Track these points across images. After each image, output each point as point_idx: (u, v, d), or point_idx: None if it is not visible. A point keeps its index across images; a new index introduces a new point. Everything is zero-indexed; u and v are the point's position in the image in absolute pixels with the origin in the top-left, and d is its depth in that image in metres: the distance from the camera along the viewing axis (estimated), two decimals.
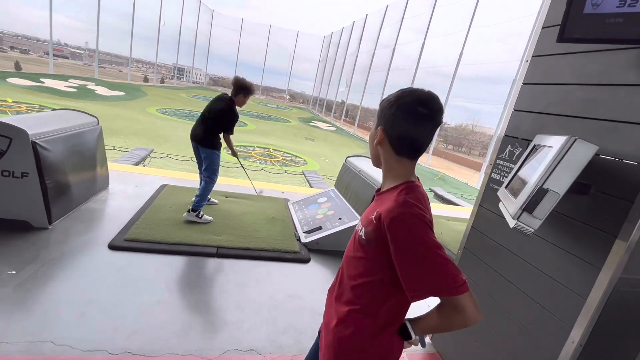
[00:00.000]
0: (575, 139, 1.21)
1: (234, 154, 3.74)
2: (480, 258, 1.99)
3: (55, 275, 2.29)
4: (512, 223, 1.33)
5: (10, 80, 19.92)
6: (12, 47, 44.60)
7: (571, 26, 1.32)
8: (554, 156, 1.24)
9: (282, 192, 4.68)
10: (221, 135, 3.46)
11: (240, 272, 2.77)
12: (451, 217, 5.45)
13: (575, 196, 1.43)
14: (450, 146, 37.49)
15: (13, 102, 14.07)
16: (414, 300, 0.84)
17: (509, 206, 1.44)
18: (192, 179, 5.02)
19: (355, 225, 3.40)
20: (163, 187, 4.27)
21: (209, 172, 3.43)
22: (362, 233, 0.92)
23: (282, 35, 54.80)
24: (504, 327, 1.76)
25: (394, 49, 26.90)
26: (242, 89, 3.41)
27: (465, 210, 6.36)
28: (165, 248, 2.84)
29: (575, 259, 1.44)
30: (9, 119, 2.79)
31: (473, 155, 32.81)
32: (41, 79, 22.69)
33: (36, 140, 2.69)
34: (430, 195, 10.23)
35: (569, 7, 1.29)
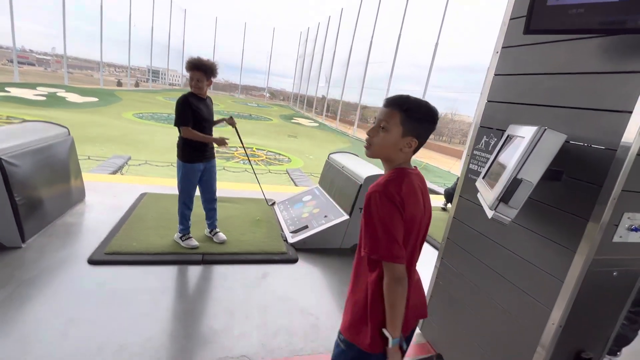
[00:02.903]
0: (545, 129, 1.24)
1: (217, 141, 2.84)
2: (463, 247, 2.03)
3: (32, 296, 2.20)
4: (490, 214, 1.36)
5: None
6: None
7: (536, 18, 1.35)
8: (525, 146, 1.27)
9: (273, 203, 4.42)
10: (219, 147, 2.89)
11: (227, 278, 2.74)
12: (435, 206, 5.54)
13: (548, 183, 1.48)
14: (432, 136, 37.97)
15: None
16: (363, 255, 1.05)
17: (486, 197, 1.47)
18: (173, 184, 4.91)
19: (342, 222, 3.42)
20: (143, 195, 4.16)
21: (178, 186, 2.92)
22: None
23: (258, 33, 54.08)
24: (489, 313, 1.80)
25: (370, 42, 26.98)
26: (192, 69, 2.70)
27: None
28: (148, 259, 2.77)
29: (551, 244, 1.49)
30: None
31: (454, 144, 33.48)
32: (6, 88, 21.65)
33: (2, 157, 2.56)
34: None
35: (532, 0, 1.32)
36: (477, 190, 1.76)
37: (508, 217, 1.30)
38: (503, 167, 1.42)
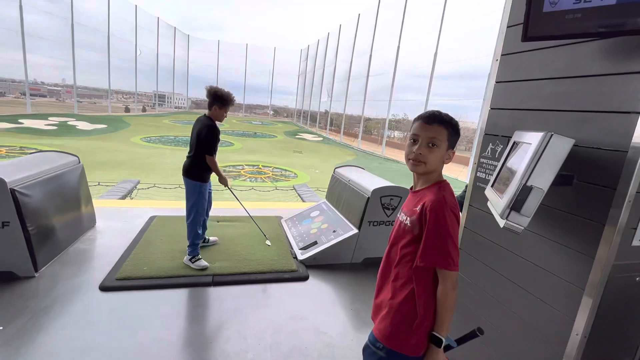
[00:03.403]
0: (552, 135, 1.23)
1: (223, 181, 3.10)
2: (476, 257, 1.98)
3: (46, 326, 2.20)
4: (501, 223, 1.33)
5: None
6: None
7: (533, 25, 1.35)
8: (533, 153, 1.25)
9: (282, 219, 4.30)
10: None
11: (238, 299, 2.71)
12: None
13: (559, 188, 1.45)
14: None
15: None
16: (418, 264, 1.12)
17: (496, 205, 1.44)
18: (182, 206, 4.95)
19: (351, 236, 3.38)
20: (152, 218, 4.20)
21: (188, 210, 2.99)
22: (407, 221, 1.21)
23: (259, 53, 55.35)
24: (508, 325, 1.74)
25: (370, 55, 27.39)
26: (216, 99, 2.96)
27: None
28: (159, 283, 2.76)
29: (568, 250, 1.45)
30: None
31: (459, 150, 33.27)
32: (20, 120, 22.34)
33: (15, 187, 2.62)
34: None
35: (528, 7, 1.33)
36: (486, 199, 1.73)
37: (521, 225, 1.27)
38: (511, 174, 1.40)
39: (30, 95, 28.99)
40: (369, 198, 3.33)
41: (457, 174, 18.61)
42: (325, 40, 38.57)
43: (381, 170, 17.04)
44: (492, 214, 1.54)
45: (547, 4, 1.28)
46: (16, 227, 2.62)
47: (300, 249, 3.52)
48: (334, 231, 3.57)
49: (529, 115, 1.67)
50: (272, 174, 13.58)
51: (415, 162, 1.16)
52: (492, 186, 1.66)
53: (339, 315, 2.65)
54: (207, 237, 3.53)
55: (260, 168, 14.33)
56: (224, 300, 2.70)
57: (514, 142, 1.60)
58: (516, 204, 1.25)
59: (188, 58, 51.99)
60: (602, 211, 1.31)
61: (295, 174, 13.96)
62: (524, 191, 1.24)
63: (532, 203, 1.23)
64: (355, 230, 3.39)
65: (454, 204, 1.13)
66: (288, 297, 2.79)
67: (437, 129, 1.14)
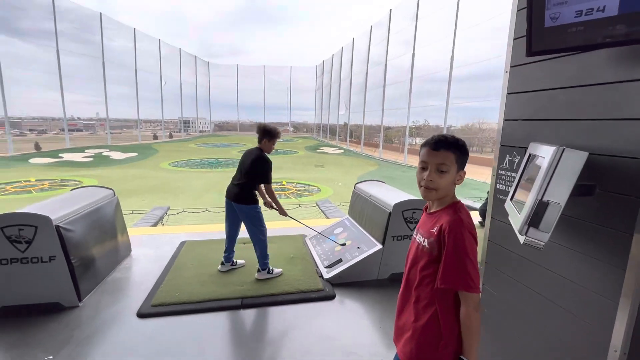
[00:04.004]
0: (564, 149, 1.22)
1: (281, 210, 3.47)
2: (503, 271, 1.94)
3: (91, 354, 2.34)
4: (521, 239, 1.31)
5: (32, 160, 21.17)
6: (30, 130, 47.75)
7: (536, 40, 1.36)
8: (547, 168, 1.24)
9: (310, 236, 4.20)
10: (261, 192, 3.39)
11: (267, 321, 2.77)
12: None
13: (581, 198, 1.41)
14: None
15: (36, 180, 14.89)
16: (439, 286, 1.12)
17: (514, 221, 1.43)
18: (209, 230, 5.13)
19: (375, 252, 3.37)
20: (183, 244, 4.37)
21: (254, 231, 3.30)
22: (425, 243, 1.23)
23: (277, 72, 56.94)
24: (540, 342, 1.68)
25: (385, 65, 27.46)
26: (265, 134, 3.33)
27: None
28: (191, 308, 2.87)
29: (597, 262, 1.40)
30: (33, 207, 2.98)
31: (486, 153, 32.29)
32: (60, 154, 24.03)
33: (59, 224, 2.84)
34: None
35: (529, 24, 1.34)
36: (507, 212, 1.71)
37: (541, 241, 1.25)
38: (528, 188, 1.38)
39: (69, 130, 31.21)
40: (390, 213, 3.32)
41: (487, 177, 18.01)
42: (339, 54, 39.13)
43: (404, 179, 16.80)
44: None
45: (548, 19, 1.29)
46: (61, 260, 2.83)
47: (325, 267, 3.54)
48: (358, 247, 3.57)
49: (543, 125, 1.65)
50: (296, 190, 13.73)
51: (427, 189, 1.19)
52: (511, 199, 1.64)
53: (368, 334, 2.64)
54: (235, 261, 3.64)
55: (283, 184, 14.54)
56: (254, 323, 2.76)
57: (530, 154, 1.58)
58: (533, 220, 1.24)
59: (209, 84, 54.31)
60: (629, 221, 1.26)
61: (318, 188, 14.04)
62: (541, 206, 1.23)
63: (550, 218, 1.21)
64: (380, 246, 3.38)
65: (471, 224, 1.15)
66: (316, 318, 2.81)
67: (445, 155, 1.16)
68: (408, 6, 24.55)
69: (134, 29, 35.81)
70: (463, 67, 20.34)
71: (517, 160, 1.85)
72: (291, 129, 64.22)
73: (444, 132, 23.10)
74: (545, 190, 1.23)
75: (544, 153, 1.33)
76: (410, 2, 24.24)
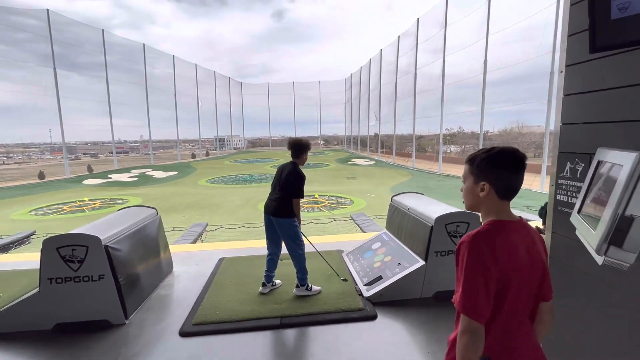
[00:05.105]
0: None
1: (299, 222, 3.41)
2: (570, 294, 1.72)
3: None
4: (599, 260, 1.14)
5: (85, 181, 22.95)
6: (84, 154, 52.12)
7: (601, 35, 1.21)
8: (628, 177, 1.08)
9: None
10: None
11: (307, 342, 2.68)
12: None
13: None
14: None
15: (89, 200, 16.07)
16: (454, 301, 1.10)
17: (589, 238, 1.25)
18: (246, 246, 5.18)
19: (418, 269, 3.20)
20: (221, 260, 4.43)
21: (292, 246, 3.30)
22: None
23: (306, 88, 58.15)
24: None
25: (415, 73, 27.08)
26: (296, 146, 3.38)
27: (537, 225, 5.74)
28: (231, 327, 2.86)
29: None
30: (84, 228, 3.15)
31: (528, 158, 30.42)
32: (109, 175, 25.87)
33: (107, 244, 2.97)
34: None
35: (592, 18, 1.20)
36: (572, 225, 1.52)
37: (626, 262, 1.08)
38: (602, 200, 1.21)
39: (116, 152, 33.70)
40: (432, 227, 3.15)
41: (530, 184, 16.93)
42: (367, 66, 39.22)
43: (441, 189, 16.19)
44: (581, 242, 1.34)
45: (615, 10, 1.15)
46: (109, 279, 2.94)
47: (365, 285, 3.41)
48: (399, 264, 3.41)
49: (612, 128, 1.47)
50: (328, 202, 13.66)
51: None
52: (578, 212, 1.46)
53: (413, 357, 2.46)
54: (275, 282, 3.57)
55: (316, 198, 14.54)
56: (293, 344, 2.68)
57: (599, 161, 1.41)
58: (615, 238, 1.08)
59: (242, 103, 56.54)
60: None
61: (351, 200, 13.89)
62: (623, 222, 1.06)
63: (637, 236, 1.04)
64: (422, 262, 3.20)
65: (485, 244, 1.06)
66: (357, 339, 2.68)
67: (464, 168, 1.25)
68: (436, 13, 24.22)
69: (173, 56, 38.35)
70: (497, 70, 19.55)
71: (580, 168, 1.66)
72: (322, 142, 64.80)
73: (480, 137, 22.19)
74: (628, 203, 1.06)
75: (621, 160, 1.16)
76: (438, 9, 23.91)
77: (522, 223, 1.17)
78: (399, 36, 30.04)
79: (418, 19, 26.48)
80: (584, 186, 1.46)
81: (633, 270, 1.25)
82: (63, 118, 25.31)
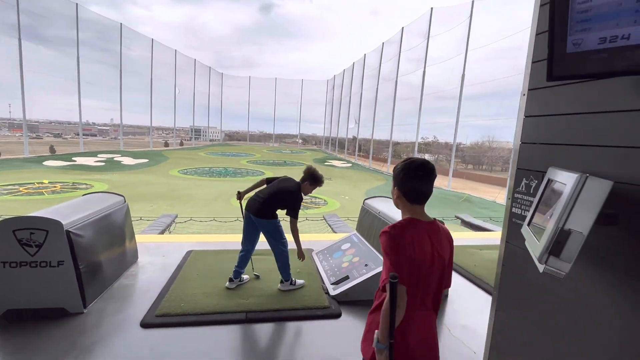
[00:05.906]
0: (587, 177, 1.18)
1: (300, 252, 3.41)
2: (517, 298, 1.87)
3: None
4: (540, 268, 1.27)
5: (46, 163, 21.60)
6: (47, 133, 48.97)
7: (557, 65, 1.34)
8: (569, 195, 1.21)
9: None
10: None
11: (271, 337, 2.71)
12: (483, 245, 5.22)
13: (603, 227, 1.36)
14: (470, 165, 36.78)
15: (49, 182, 15.15)
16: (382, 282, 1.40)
17: (533, 247, 1.38)
18: (215, 240, 5.12)
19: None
20: (189, 253, 4.36)
21: (275, 243, 3.35)
22: None
23: (288, 85, 57.77)
24: None
25: (396, 81, 27.66)
26: (310, 177, 3.50)
27: (497, 236, 6.08)
28: (195, 320, 2.84)
29: (619, 293, 1.34)
30: (44, 211, 3.01)
31: (496, 172, 31.95)
32: (73, 158, 24.49)
33: (70, 229, 2.86)
34: (457, 223, 9.87)
35: (551, 49, 1.33)
36: (523, 237, 1.66)
37: (562, 271, 1.20)
38: (548, 214, 1.34)
39: (83, 135, 31.88)
40: None
41: (495, 197, 17.75)
42: (350, 69, 39.58)
43: None
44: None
45: (570, 45, 1.28)
46: (69, 266, 2.83)
47: (332, 284, 3.49)
48: (366, 265, 3.52)
49: (563, 150, 1.62)
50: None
51: None
52: (528, 225, 1.60)
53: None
54: (243, 277, 3.58)
55: None
56: (257, 339, 2.70)
57: (549, 179, 1.55)
58: (554, 249, 1.20)
59: (222, 94, 55.26)
60: None
61: (325, 201, 13.98)
62: (562, 235, 1.19)
63: (573, 248, 1.17)
64: None
65: (397, 234, 1.32)
66: (320, 336, 2.75)
67: None
68: (420, 24, 24.88)
69: (152, 39, 36.91)
70: (474, 85, 20.38)
71: (534, 185, 1.81)
72: (300, 141, 64.64)
73: (453, 149, 23.06)
74: (567, 218, 1.19)
75: (565, 179, 1.29)
76: (422, 21, 24.58)
77: (434, 223, 1.40)
78: (383, 43, 30.59)
79: (403, 28, 27.10)
80: (535, 201, 1.60)
81: (567, 280, 1.39)
82: (26, 93, 23.63)
